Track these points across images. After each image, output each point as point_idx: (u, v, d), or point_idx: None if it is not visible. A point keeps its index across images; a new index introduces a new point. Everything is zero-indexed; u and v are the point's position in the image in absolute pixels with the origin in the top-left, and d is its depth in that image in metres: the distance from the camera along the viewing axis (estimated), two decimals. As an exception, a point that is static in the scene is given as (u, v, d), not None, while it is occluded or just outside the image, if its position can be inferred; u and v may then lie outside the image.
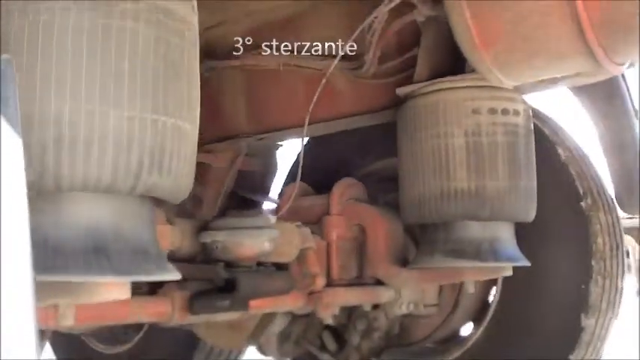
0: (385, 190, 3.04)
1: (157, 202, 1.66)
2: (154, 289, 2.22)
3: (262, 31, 3.07)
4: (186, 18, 1.59)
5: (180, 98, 1.53)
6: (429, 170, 2.46)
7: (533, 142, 2.53)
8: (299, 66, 2.98)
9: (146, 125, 1.46)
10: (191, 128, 1.58)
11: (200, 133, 3.28)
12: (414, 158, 2.51)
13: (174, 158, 1.52)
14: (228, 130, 3.24)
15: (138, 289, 2.21)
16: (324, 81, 2.61)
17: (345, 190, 2.83)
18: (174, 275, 1.59)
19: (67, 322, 1.62)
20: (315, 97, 2.60)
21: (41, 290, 1.53)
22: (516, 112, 2.46)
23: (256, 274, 2.24)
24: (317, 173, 3.11)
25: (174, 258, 2.22)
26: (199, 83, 1.65)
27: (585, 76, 2.38)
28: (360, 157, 3.26)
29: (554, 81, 2.45)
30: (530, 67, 2.23)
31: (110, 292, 1.53)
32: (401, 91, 2.61)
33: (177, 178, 1.54)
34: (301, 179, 2.96)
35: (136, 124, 1.45)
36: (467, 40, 2.22)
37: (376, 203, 2.89)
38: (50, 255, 1.43)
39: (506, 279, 2.83)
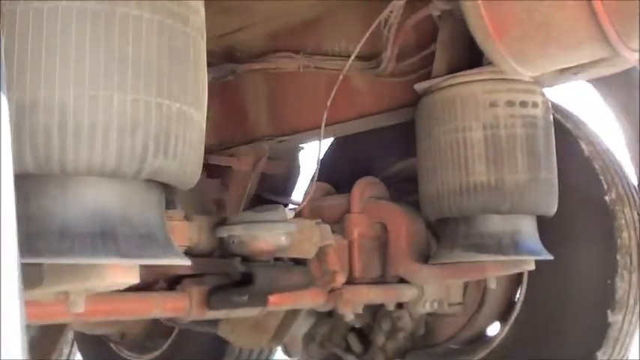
0: (408, 191, 3.03)
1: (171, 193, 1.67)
2: (172, 284, 2.24)
3: (282, 35, 3.10)
4: (190, 4, 1.59)
5: (184, 83, 1.54)
6: (448, 165, 2.44)
7: (553, 135, 2.51)
8: (319, 68, 3.00)
9: (150, 109, 1.47)
10: (197, 114, 1.58)
11: (222, 137, 3.33)
12: (432, 153, 2.49)
13: (180, 142, 1.53)
14: (251, 134, 3.26)
15: (156, 284, 2.23)
16: (339, 81, 2.62)
17: (365, 188, 2.83)
18: (182, 260, 1.59)
19: (78, 308, 1.63)
20: (331, 97, 2.61)
21: (50, 275, 1.56)
22: (535, 104, 2.44)
23: (273, 268, 2.24)
24: (340, 174, 3.12)
25: (192, 253, 2.24)
26: (206, 70, 1.66)
27: (603, 66, 2.35)
28: (383, 158, 3.25)
29: (572, 72, 2.43)
30: (545, 55, 2.21)
31: (118, 276, 1.54)
32: (419, 86, 2.60)
33: (183, 162, 1.55)
34: (326, 180, 2.97)
35: (140, 108, 1.46)
36: (481, 29, 2.20)
37: (398, 202, 2.87)
38: (57, 239, 1.44)
39: (531, 277, 2.79)
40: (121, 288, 1.66)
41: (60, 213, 1.46)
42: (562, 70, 2.42)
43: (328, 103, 2.60)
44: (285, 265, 2.30)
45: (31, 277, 1.58)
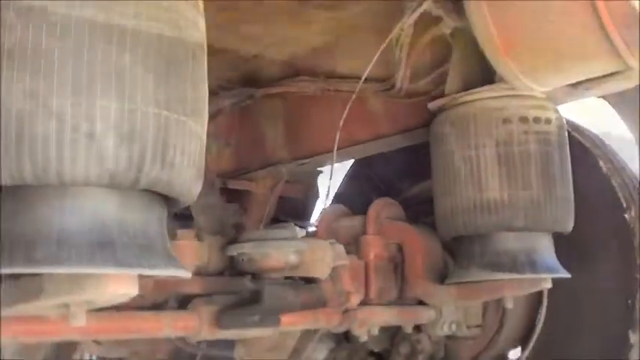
0: (426, 213, 3.01)
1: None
2: (183, 304, 2.24)
3: (300, 59, 3.11)
4: (190, 17, 1.61)
5: (183, 94, 1.55)
6: (461, 182, 2.42)
7: (568, 151, 2.48)
8: (336, 90, 3.00)
9: (148, 118, 1.48)
10: (196, 126, 1.59)
11: (241, 161, 3.35)
12: (446, 171, 2.48)
13: (178, 153, 1.53)
14: (269, 157, 3.27)
15: (166, 304, 2.23)
16: (350, 102, 2.63)
17: (381, 209, 2.81)
18: (182, 272, 1.59)
19: (78, 321, 1.63)
20: (343, 119, 2.62)
21: (50, 287, 1.57)
22: (548, 120, 2.42)
23: (283, 286, 2.23)
24: (360, 196, 3.12)
25: (203, 273, 2.24)
26: (206, 83, 1.67)
27: (615, 80, 2.32)
28: (403, 180, 3.25)
29: (585, 87, 2.40)
30: (556, 69, 2.20)
31: (117, 287, 1.54)
32: (432, 105, 2.59)
33: (182, 173, 1.55)
34: (344, 203, 2.96)
35: (137, 118, 1.47)
36: (491, 47, 2.20)
37: (415, 223, 2.85)
38: (55, 248, 1.45)
39: (551, 298, 2.75)
40: (122, 300, 1.66)
41: (58, 223, 1.47)
42: (575, 86, 2.39)
43: (341, 124, 2.60)
44: (295, 284, 2.29)
45: (31, 288, 1.59)
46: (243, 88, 3.19)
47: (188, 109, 1.57)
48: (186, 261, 2.16)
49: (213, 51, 1.69)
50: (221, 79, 3.12)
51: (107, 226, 1.49)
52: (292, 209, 3.47)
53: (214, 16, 1.87)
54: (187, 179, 1.58)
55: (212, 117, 3.15)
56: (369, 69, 2.57)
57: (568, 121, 2.64)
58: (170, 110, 1.52)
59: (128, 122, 1.46)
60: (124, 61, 1.47)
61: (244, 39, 2.93)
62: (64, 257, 1.44)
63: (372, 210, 2.79)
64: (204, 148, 1.67)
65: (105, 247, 1.47)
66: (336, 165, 3.43)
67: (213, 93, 3.15)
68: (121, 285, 1.55)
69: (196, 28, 1.64)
